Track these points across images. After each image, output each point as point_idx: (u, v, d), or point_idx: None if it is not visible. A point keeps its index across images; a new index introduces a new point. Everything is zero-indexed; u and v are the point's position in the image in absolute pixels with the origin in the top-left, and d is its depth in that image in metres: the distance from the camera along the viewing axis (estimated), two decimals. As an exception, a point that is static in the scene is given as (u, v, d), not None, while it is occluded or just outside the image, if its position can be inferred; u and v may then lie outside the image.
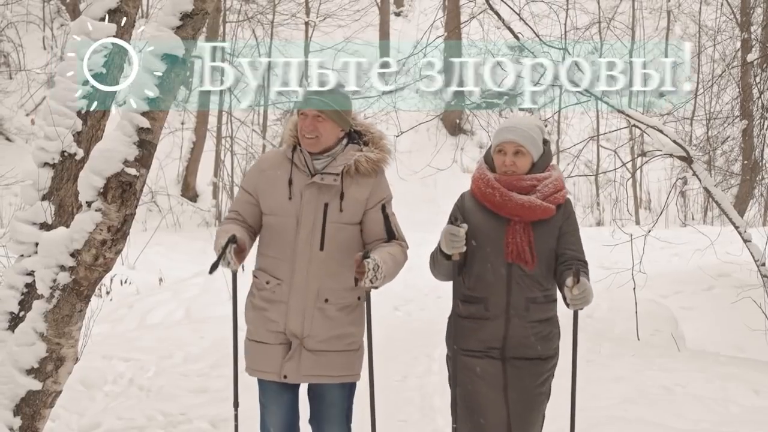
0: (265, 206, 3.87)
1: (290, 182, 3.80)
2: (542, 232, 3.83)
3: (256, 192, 3.88)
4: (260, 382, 3.91)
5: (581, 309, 3.76)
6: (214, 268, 3.65)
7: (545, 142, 3.96)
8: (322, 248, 3.76)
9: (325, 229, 3.76)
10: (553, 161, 4.06)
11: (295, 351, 3.79)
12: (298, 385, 3.89)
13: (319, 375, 3.83)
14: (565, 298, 3.77)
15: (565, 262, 3.83)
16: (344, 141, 3.89)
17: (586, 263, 3.85)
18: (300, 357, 3.79)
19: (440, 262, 3.83)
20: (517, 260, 3.77)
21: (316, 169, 3.81)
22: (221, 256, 3.61)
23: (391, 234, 3.87)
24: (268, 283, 3.82)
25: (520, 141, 3.85)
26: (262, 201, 3.86)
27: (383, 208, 3.85)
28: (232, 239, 3.63)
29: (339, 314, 3.83)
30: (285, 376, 3.80)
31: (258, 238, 3.97)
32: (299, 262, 3.78)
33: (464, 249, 3.72)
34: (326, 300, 3.80)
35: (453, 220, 3.82)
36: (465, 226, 3.71)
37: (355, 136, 3.93)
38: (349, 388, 3.91)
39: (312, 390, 3.91)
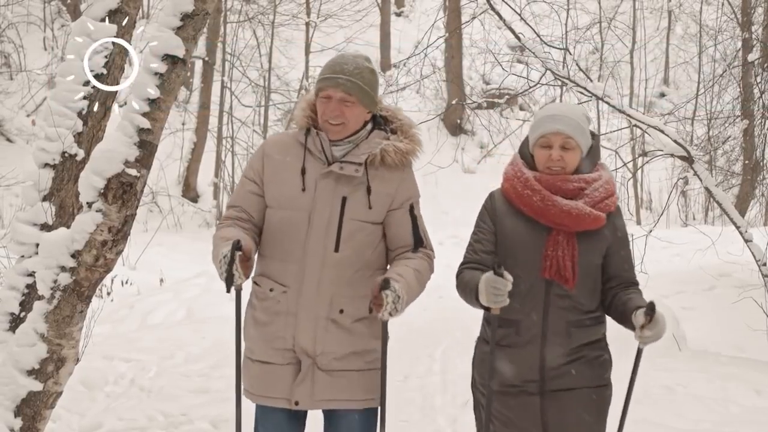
0: (270, 198, 3.29)
1: (303, 171, 3.24)
2: (588, 245, 3.20)
3: (260, 178, 3.33)
4: (260, 411, 3.37)
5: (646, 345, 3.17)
6: (230, 283, 3.06)
7: (592, 135, 3.32)
8: (337, 249, 3.20)
9: (341, 226, 3.21)
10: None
11: (307, 372, 3.24)
12: (306, 415, 3.37)
13: (336, 399, 3.26)
14: (620, 320, 3.23)
15: (620, 285, 3.26)
16: (368, 126, 3.32)
17: (638, 284, 3.31)
18: (313, 379, 3.24)
19: (474, 305, 3.21)
20: (555, 277, 3.16)
21: (335, 157, 3.26)
22: (230, 268, 3.03)
23: (419, 240, 3.30)
24: (272, 290, 3.26)
25: (570, 132, 3.20)
26: (268, 192, 3.30)
27: (411, 208, 3.31)
28: (236, 245, 3.02)
29: (356, 326, 3.26)
30: (296, 403, 3.24)
31: (260, 240, 3.38)
32: (310, 265, 3.22)
33: (507, 303, 3.06)
34: (341, 311, 3.24)
35: (481, 236, 3.25)
36: (510, 278, 3.03)
37: (381, 121, 3.36)
38: (372, 415, 3.30)
39: (327, 419, 3.36)
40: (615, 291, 3.26)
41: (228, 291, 3.09)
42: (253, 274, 3.29)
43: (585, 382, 3.24)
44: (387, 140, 3.28)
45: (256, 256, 3.27)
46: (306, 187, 3.24)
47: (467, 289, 3.20)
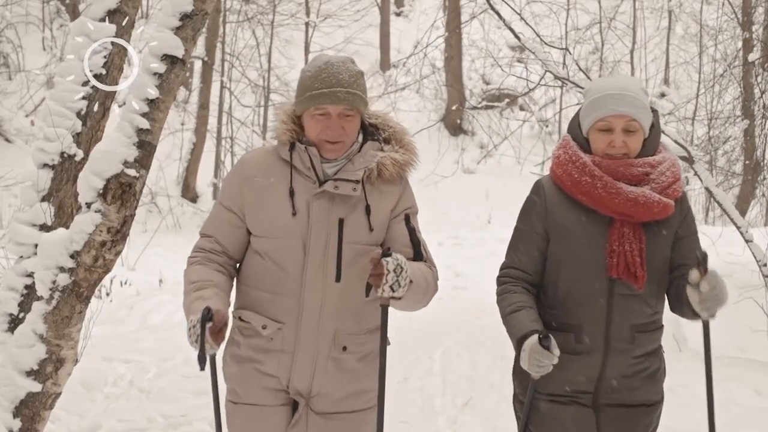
0: (255, 226, 2.91)
1: (292, 192, 2.87)
2: (655, 237, 2.85)
3: (241, 208, 2.93)
4: None
5: (713, 315, 2.74)
6: (203, 360, 2.71)
7: (653, 111, 2.90)
8: (338, 279, 2.84)
9: (341, 253, 2.85)
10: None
11: (301, 415, 2.92)
12: None
13: None
14: (682, 303, 2.79)
15: (682, 276, 2.83)
16: (359, 137, 2.96)
17: None
18: (307, 423, 2.93)
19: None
20: (623, 275, 2.79)
21: (326, 174, 2.89)
22: (202, 342, 2.68)
23: (418, 253, 2.93)
24: (264, 327, 2.89)
25: (634, 113, 2.79)
26: (252, 220, 2.91)
27: (407, 218, 2.96)
28: (206, 315, 2.67)
29: (358, 365, 2.94)
30: None
31: (241, 268, 3.00)
32: (309, 298, 2.85)
33: (549, 371, 2.72)
34: (344, 348, 2.91)
35: (524, 234, 2.89)
36: (557, 353, 2.70)
37: (372, 130, 3.00)
38: None
39: None
40: (678, 281, 2.87)
41: (202, 368, 2.72)
42: (233, 307, 2.98)
43: (643, 399, 2.93)
44: (382, 152, 2.95)
45: (231, 308, 2.93)
46: (297, 210, 2.86)
47: (506, 327, 2.87)
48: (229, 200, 2.96)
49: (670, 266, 2.91)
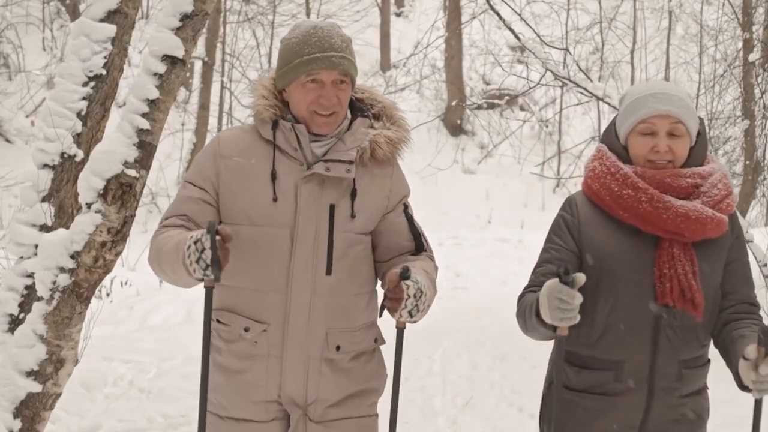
0: (236, 213, 2.60)
1: (273, 175, 2.57)
2: (707, 258, 2.50)
3: (216, 189, 2.62)
4: None
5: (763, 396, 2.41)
6: (218, 267, 2.30)
7: (699, 120, 2.58)
8: (329, 272, 2.56)
9: (332, 243, 2.57)
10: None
11: (297, 427, 2.63)
12: None
13: None
14: (729, 359, 2.49)
15: (735, 307, 2.54)
16: (347, 113, 2.69)
17: (758, 307, 2.58)
18: None
19: (534, 326, 2.44)
20: (679, 302, 2.43)
21: (315, 155, 2.61)
22: (214, 248, 2.28)
23: (420, 245, 2.69)
24: (247, 330, 2.57)
25: (679, 114, 2.45)
26: (230, 204, 2.61)
27: (405, 207, 2.72)
28: (212, 228, 2.30)
29: (354, 365, 2.70)
30: None
31: None
32: (297, 294, 2.56)
33: (576, 321, 2.31)
34: (338, 347, 2.63)
35: (558, 265, 2.43)
36: (582, 277, 2.27)
37: (360, 105, 2.73)
38: None
39: None
40: (728, 316, 2.56)
41: (218, 279, 2.33)
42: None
43: None
44: (373, 129, 2.67)
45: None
46: (282, 195, 2.57)
47: (526, 310, 2.48)
48: (202, 180, 2.65)
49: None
